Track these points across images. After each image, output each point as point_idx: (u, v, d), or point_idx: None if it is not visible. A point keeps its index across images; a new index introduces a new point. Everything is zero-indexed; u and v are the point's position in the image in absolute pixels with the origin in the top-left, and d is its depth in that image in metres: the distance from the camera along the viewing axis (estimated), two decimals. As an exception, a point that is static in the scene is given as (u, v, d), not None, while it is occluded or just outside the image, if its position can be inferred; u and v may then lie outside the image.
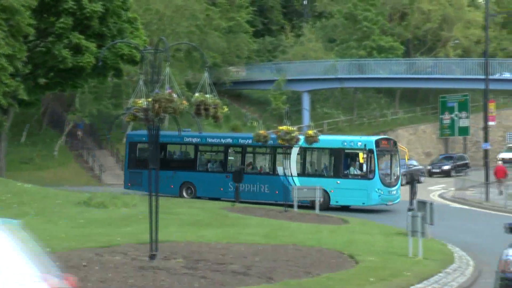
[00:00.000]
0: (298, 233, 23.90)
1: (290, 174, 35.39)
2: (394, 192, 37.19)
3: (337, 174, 36.99)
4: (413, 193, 31.82)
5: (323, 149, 37.71)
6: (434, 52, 78.10)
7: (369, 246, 21.51)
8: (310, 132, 33.74)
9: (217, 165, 40.73)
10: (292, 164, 36.91)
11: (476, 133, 70.48)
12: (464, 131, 69.62)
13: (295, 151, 36.84)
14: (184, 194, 40.08)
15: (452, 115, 69.64)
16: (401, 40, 76.41)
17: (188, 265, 16.22)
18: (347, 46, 75.44)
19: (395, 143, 39.37)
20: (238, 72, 75.60)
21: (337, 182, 36.68)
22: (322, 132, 67.29)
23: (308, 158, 38.74)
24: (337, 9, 78.70)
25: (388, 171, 38.02)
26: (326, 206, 35.84)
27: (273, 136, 33.56)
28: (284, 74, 71.01)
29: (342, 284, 14.97)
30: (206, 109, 16.42)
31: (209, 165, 40.80)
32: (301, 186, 34.57)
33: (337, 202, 36.89)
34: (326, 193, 36.20)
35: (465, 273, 18.90)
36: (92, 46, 39.76)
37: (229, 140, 40.76)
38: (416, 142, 71.53)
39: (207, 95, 16.58)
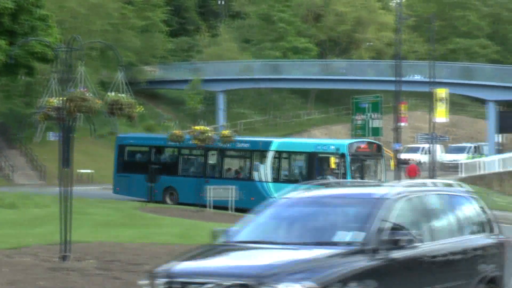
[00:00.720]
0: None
1: (265, 180, 34.58)
2: None
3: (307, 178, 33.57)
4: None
5: (298, 153, 35.85)
6: (348, 53, 79.19)
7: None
8: (225, 132, 33.93)
9: (197, 169, 38.12)
10: (268, 169, 35.34)
11: (388, 133, 71.83)
12: (376, 131, 70.67)
13: (271, 155, 35.42)
14: (168, 200, 37.99)
15: (365, 116, 70.59)
16: (315, 41, 77.23)
17: (100, 265, 16.05)
18: (262, 47, 75.87)
19: (379, 148, 36.25)
20: (153, 72, 75.17)
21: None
22: (237, 132, 67.68)
23: (283, 163, 36.30)
24: (253, 10, 79.07)
25: (368, 179, 34.25)
26: None
27: (188, 137, 33.28)
28: (200, 74, 70.92)
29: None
30: (120, 109, 16.29)
31: (191, 169, 38.69)
32: (216, 186, 34.43)
33: None
34: None
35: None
36: (3, 43, 38.96)
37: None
38: (329, 143, 72.54)
39: (122, 95, 16.46)
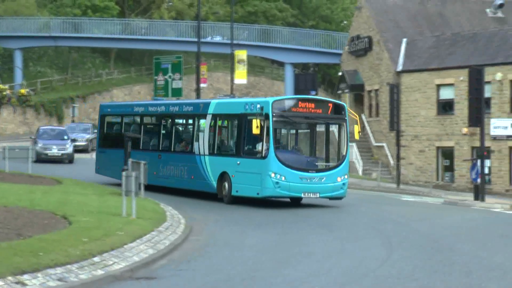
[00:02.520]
0: (9, 195, 23.05)
1: (203, 153, 28.28)
2: (317, 180, 25.72)
3: (238, 152, 26.56)
4: (127, 154, 31.30)
5: (232, 116, 27.74)
6: (148, 13, 78.49)
7: (83, 206, 21.32)
8: (23, 91, 32.68)
9: (153, 141, 32.09)
10: (205, 139, 28.33)
11: (189, 94, 72.14)
12: (177, 92, 70.90)
13: (208, 120, 28.40)
14: None
15: (166, 76, 70.60)
16: (116, 0, 75.93)
17: None
18: (61, 4, 73.69)
19: (337, 109, 26.88)
20: None
21: (237, 163, 26.37)
22: (35, 91, 65.62)
23: (217, 130, 28.41)
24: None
25: (308, 148, 27.58)
26: (231, 199, 26.69)
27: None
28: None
29: (55, 245, 14.73)
30: None
31: (150, 142, 32.24)
32: (13, 146, 33.17)
33: (237, 192, 26.33)
34: (228, 179, 26.64)
35: (177, 231, 19.36)
36: None
37: (154, 109, 32.37)
38: (131, 103, 71.83)
39: None
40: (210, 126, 28.27)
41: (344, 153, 26.51)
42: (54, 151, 43.73)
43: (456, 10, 53.63)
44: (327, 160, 27.10)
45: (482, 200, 32.57)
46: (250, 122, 25.52)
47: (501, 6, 52.96)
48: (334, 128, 27.74)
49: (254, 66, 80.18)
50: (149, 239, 17.34)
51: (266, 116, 25.22)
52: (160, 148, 31.00)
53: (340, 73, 55.00)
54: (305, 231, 20.84)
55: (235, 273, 14.64)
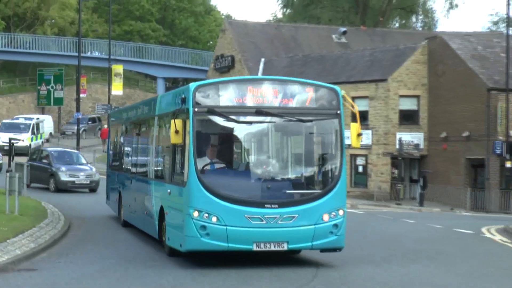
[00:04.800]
0: None
1: (151, 176, 17.19)
2: (280, 219, 13.69)
3: (169, 174, 15.36)
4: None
5: (167, 117, 15.50)
6: (32, 29, 76.38)
7: (-32, 205, 20.56)
8: None
9: (125, 160, 21.23)
10: (151, 155, 17.36)
11: (70, 103, 70.81)
12: (59, 101, 69.40)
13: (154, 126, 17.09)
14: None
15: (49, 87, 69.02)
16: (1, 16, 73.48)
17: None
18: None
19: (325, 95, 14.73)
20: None
21: (168, 192, 15.24)
22: None
23: (160, 140, 16.80)
24: None
25: (268, 163, 14.42)
26: (169, 250, 15.01)
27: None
28: None
29: None
30: None
31: (123, 160, 21.43)
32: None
33: (169, 239, 14.95)
34: (164, 218, 15.45)
35: (57, 226, 18.99)
36: None
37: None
38: (15, 110, 69.38)
39: None
40: (156, 134, 16.93)
41: (337, 171, 14.15)
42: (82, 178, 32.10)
43: (307, 35, 55.02)
44: (303, 184, 14.22)
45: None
46: (172, 125, 13.95)
47: (344, 33, 54.69)
48: (317, 129, 14.61)
49: (129, 79, 79.38)
50: (31, 234, 16.93)
51: (187, 114, 13.77)
52: (127, 170, 20.20)
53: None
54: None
55: (109, 264, 14.51)
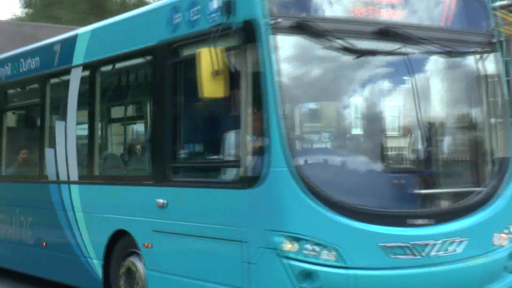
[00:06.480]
0: None
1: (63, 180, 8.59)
2: (442, 250, 5.81)
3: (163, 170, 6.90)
4: None
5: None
6: None
7: None
8: None
9: None
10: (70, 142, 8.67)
11: None
12: None
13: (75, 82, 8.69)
14: None
15: None
16: None
17: None
18: None
19: (474, 12, 6.60)
20: None
21: (160, 203, 6.85)
22: None
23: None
24: None
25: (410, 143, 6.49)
26: None
27: None
28: None
29: None
30: None
31: None
32: None
33: None
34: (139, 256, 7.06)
35: None
36: None
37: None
38: None
39: None
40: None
41: (505, 152, 6.55)
42: None
43: (50, 34, 55.37)
44: (469, 178, 6.73)
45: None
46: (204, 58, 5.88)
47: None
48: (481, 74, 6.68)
49: None
50: None
51: (245, 33, 5.83)
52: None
53: None
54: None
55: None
